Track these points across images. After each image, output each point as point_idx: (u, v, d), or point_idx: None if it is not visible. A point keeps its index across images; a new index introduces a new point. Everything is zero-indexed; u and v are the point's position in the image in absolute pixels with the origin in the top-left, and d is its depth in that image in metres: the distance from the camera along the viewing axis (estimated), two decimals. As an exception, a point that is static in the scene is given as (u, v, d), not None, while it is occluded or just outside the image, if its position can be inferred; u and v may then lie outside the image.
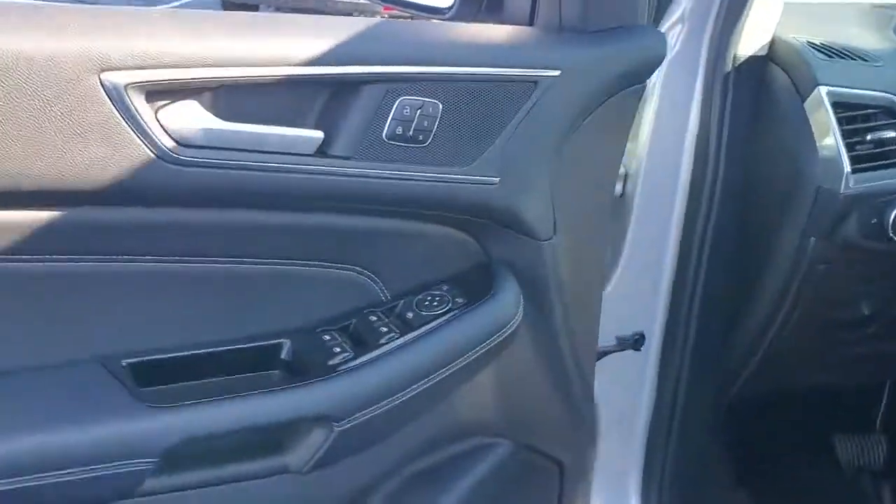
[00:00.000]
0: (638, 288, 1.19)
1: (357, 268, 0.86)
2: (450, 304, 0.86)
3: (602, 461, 1.26)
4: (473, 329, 0.85)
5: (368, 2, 1.08)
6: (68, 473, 0.67)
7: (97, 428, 0.69)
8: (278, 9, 5.03)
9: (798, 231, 1.10)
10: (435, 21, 0.97)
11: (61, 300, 0.74)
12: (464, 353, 0.84)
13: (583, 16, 0.88)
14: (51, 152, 0.66)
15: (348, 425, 0.78)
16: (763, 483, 1.45)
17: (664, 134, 1.12)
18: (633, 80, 0.90)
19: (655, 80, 1.12)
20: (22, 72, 0.64)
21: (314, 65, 0.74)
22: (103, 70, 0.66)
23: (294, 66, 0.74)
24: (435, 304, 0.86)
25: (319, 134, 0.76)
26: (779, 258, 1.13)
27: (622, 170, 1.15)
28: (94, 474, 0.68)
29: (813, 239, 1.09)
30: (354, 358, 0.80)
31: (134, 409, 0.70)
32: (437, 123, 0.80)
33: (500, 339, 0.87)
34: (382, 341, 0.82)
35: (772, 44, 1.12)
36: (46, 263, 0.72)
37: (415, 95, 0.79)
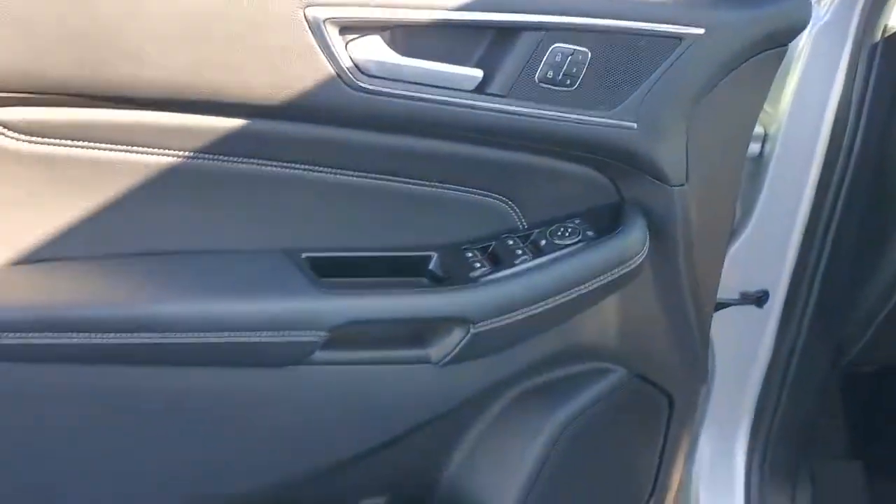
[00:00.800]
0: (766, 247, 1.24)
1: (501, 197, 0.97)
2: (580, 236, 0.95)
3: (713, 409, 1.33)
4: (600, 259, 0.95)
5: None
6: (249, 335, 0.82)
7: (278, 301, 0.84)
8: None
9: None
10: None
11: (250, 198, 0.89)
12: (589, 280, 0.94)
13: None
14: (253, 70, 0.80)
15: (482, 329, 0.90)
16: (879, 457, 1.47)
17: (806, 100, 1.16)
18: (775, 43, 0.96)
19: (802, 47, 1.16)
20: (214, 8, 0.78)
21: (481, 11, 0.85)
22: (308, 5, 0.79)
23: (464, 11, 0.84)
24: (567, 234, 0.96)
25: (479, 73, 0.87)
26: None
27: (762, 131, 1.20)
28: (269, 339, 0.83)
29: None
30: (491, 273, 0.91)
31: (310, 290, 0.84)
32: (584, 70, 0.89)
33: (624, 271, 0.96)
34: (517, 262, 0.92)
35: None
36: (242, 164, 0.86)
37: (567, 43, 0.88)
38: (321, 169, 0.89)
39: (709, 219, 1.03)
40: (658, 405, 1.12)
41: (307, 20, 0.80)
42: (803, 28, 0.97)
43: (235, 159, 0.86)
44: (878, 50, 1.12)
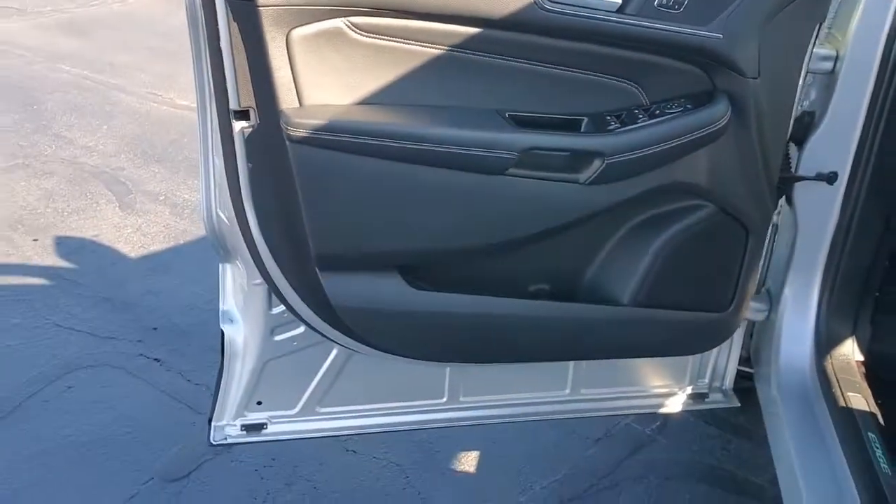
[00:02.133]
0: (836, 140, 1.71)
1: (632, 82, 1.52)
2: (682, 108, 1.50)
3: (796, 259, 1.81)
4: (695, 121, 1.49)
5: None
6: (475, 150, 1.43)
7: (491, 133, 1.44)
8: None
9: None
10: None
11: (482, 77, 1.49)
12: (687, 133, 1.48)
13: None
14: (486, 1, 1.39)
15: (613, 160, 1.47)
16: None
17: (866, 30, 1.62)
18: None
19: (864, -10, 1.62)
20: None
21: None
22: None
23: None
24: (674, 106, 1.50)
25: (618, 0, 1.43)
26: None
27: (834, 52, 1.67)
28: (486, 153, 1.43)
29: None
30: (621, 127, 1.48)
31: (509, 128, 1.45)
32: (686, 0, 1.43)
33: (713, 129, 1.49)
34: (638, 121, 1.48)
35: None
36: (476, 56, 1.46)
37: None
38: (521, 60, 1.49)
39: (774, 103, 1.53)
40: (738, 235, 1.64)
41: None
42: None
43: (474, 52, 1.46)
44: None
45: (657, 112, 1.50)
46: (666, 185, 1.56)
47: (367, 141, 1.40)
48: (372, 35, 1.41)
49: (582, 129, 1.52)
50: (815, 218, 1.78)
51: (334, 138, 1.38)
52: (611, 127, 1.49)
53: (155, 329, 2.80)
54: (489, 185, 1.48)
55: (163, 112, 4.57)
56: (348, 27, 1.39)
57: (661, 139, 1.48)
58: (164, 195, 3.66)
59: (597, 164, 1.48)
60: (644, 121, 1.49)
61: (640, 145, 1.48)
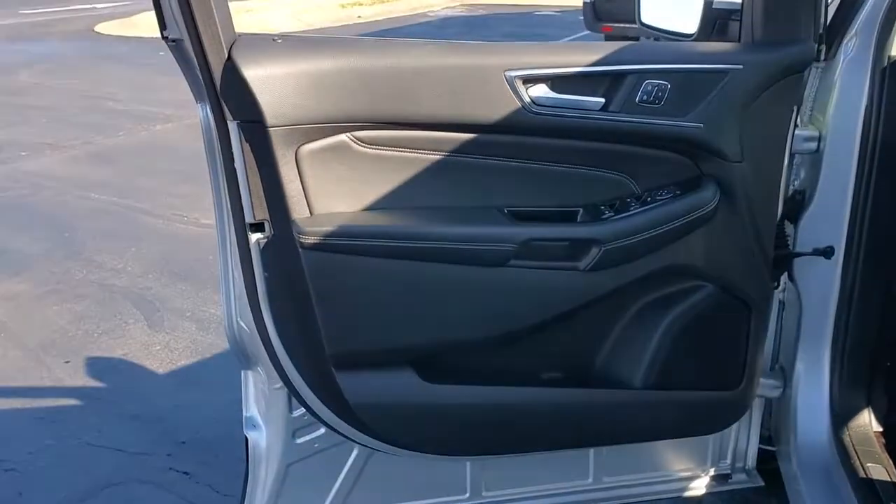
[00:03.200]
0: (828, 214, 1.77)
1: (622, 174, 1.61)
2: (672, 194, 1.58)
3: (804, 334, 1.84)
4: (685, 205, 1.56)
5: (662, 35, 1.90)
6: (475, 245, 1.51)
7: (491, 228, 1.53)
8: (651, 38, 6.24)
9: None
10: (679, 41, 1.69)
11: (480, 176, 1.58)
12: (678, 218, 1.55)
13: (766, 35, 1.55)
14: (478, 106, 1.50)
15: (609, 247, 1.54)
16: None
17: (844, 110, 1.71)
18: (793, 71, 1.55)
19: (839, 74, 1.71)
20: (468, 71, 1.49)
21: (602, 65, 1.52)
22: (506, 70, 1.50)
23: (593, 66, 1.52)
24: (664, 194, 1.58)
25: (601, 100, 1.53)
26: None
27: (817, 133, 1.76)
28: (486, 247, 1.51)
29: None
30: (615, 215, 1.56)
31: (508, 222, 1.53)
32: (666, 94, 1.53)
33: (703, 213, 1.56)
34: (631, 209, 1.56)
35: None
36: (473, 159, 1.56)
37: (654, 80, 1.52)
38: (515, 160, 1.58)
39: (761, 184, 1.61)
40: (740, 312, 1.68)
41: (506, 78, 1.50)
42: (809, 62, 1.56)
43: (470, 155, 1.56)
44: (886, 72, 1.66)
45: (648, 199, 1.58)
46: (664, 268, 1.62)
47: (374, 243, 1.49)
48: (374, 146, 1.51)
49: (578, 220, 1.60)
50: (817, 292, 1.82)
51: (343, 243, 1.47)
52: (605, 216, 1.57)
53: (183, 443, 2.84)
54: (493, 278, 1.55)
55: (188, 232, 4.73)
56: (352, 140, 1.49)
57: (653, 224, 1.56)
58: (191, 311, 3.77)
59: (594, 252, 1.55)
60: (636, 208, 1.57)
61: (634, 231, 1.55)
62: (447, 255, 1.51)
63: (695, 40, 1.76)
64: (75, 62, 9.62)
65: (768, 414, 2.03)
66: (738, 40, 1.61)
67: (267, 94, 1.40)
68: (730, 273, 1.65)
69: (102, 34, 11.29)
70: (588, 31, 8.76)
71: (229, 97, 1.42)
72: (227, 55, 1.41)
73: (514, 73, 1.50)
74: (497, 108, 1.50)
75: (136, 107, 7.58)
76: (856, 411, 1.86)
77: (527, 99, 1.51)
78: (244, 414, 1.80)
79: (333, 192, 1.50)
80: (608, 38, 7.96)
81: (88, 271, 4.29)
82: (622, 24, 7.35)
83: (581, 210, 1.60)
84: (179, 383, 3.22)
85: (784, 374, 1.92)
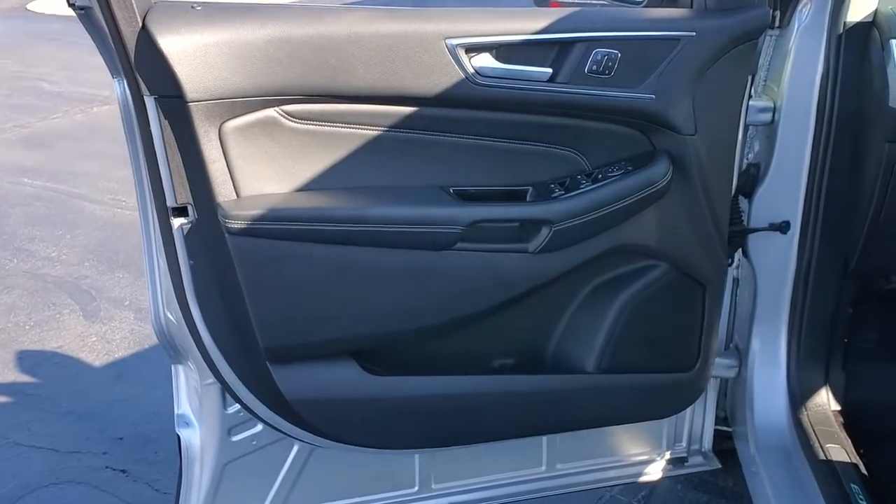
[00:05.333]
0: (784, 188, 1.71)
1: (572, 149, 1.52)
2: (623, 170, 1.50)
3: (759, 311, 1.79)
4: (637, 182, 1.48)
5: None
6: (419, 227, 1.41)
7: (436, 209, 1.43)
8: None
9: (881, 139, 1.57)
10: (629, 7, 1.61)
11: (420, 154, 1.48)
12: (630, 195, 1.47)
13: (720, 1, 1.47)
14: (418, 77, 1.40)
15: (560, 227, 1.45)
16: None
17: (799, 80, 1.65)
18: (748, 38, 1.47)
19: (793, 42, 1.65)
20: (406, 39, 1.38)
21: (547, 32, 1.43)
22: (447, 38, 1.40)
23: (539, 34, 1.42)
24: (616, 170, 1.50)
25: (549, 70, 1.44)
26: (872, 161, 1.61)
27: (772, 104, 1.69)
28: (431, 230, 1.42)
29: (887, 144, 1.56)
30: (565, 194, 1.47)
31: (454, 203, 1.44)
32: (616, 64, 1.44)
33: (656, 189, 1.48)
34: (581, 187, 1.48)
35: (875, 13, 1.60)
36: (414, 134, 1.46)
37: (604, 48, 1.44)
38: (459, 135, 1.49)
39: (715, 157, 1.54)
40: (694, 292, 1.62)
41: (447, 47, 1.40)
42: (764, 28, 1.49)
43: (410, 131, 1.46)
44: (842, 39, 1.60)
45: (600, 176, 1.50)
46: (616, 248, 1.55)
47: (307, 227, 1.38)
48: (305, 121, 1.40)
49: (527, 199, 1.51)
50: (772, 269, 1.77)
51: (274, 227, 1.36)
52: (555, 194, 1.49)
53: (121, 439, 2.71)
54: (437, 262, 1.46)
55: (126, 217, 4.54)
56: (281, 115, 1.38)
57: (605, 202, 1.48)
58: (129, 300, 3.61)
59: (544, 233, 1.47)
60: (587, 186, 1.49)
61: (585, 210, 1.47)
62: (388, 238, 1.41)
63: (646, 6, 1.68)
64: (5, 41, 9.23)
65: (723, 394, 1.98)
66: (691, 6, 1.53)
67: (185, 65, 1.28)
68: (683, 251, 1.58)
69: (35, 12, 10.84)
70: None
71: (145, 70, 1.30)
72: (140, 24, 1.28)
73: (455, 42, 1.40)
74: (438, 79, 1.40)
75: (71, 88, 7.27)
76: (813, 390, 1.81)
77: (470, 69, 1.41)
78: (175, 411, 1.69)
79: (262, 172, 1.39)
80: (557, 13, 7.89)
81: (20, 260, 4.08)
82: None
83: (531, 189, 1.52)
84: (116, 376, 3.07)
85: (739, 353, 1.87)
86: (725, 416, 2.00)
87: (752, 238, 1.73)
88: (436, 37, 1.39)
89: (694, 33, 1.44)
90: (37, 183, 5.13)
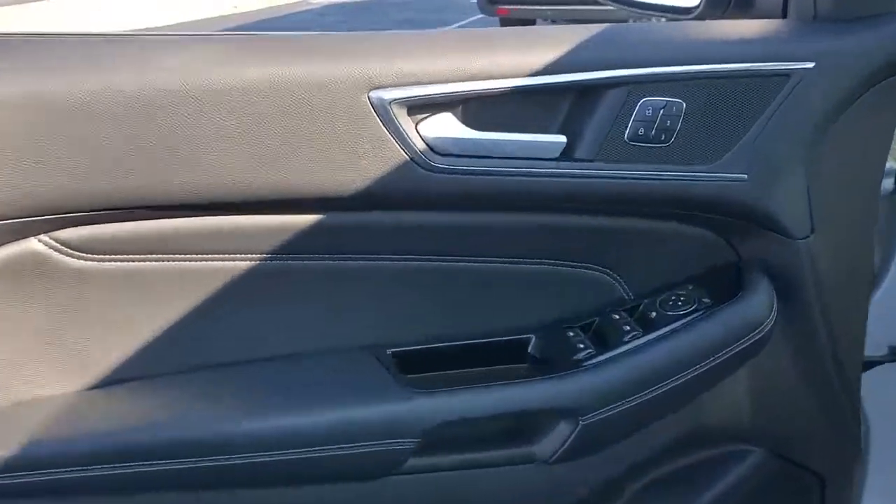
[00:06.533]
0: None
1: (601, 267, 0.88)
2: (696, 304, 0.85)
3: (872, 484, 1.17)
4: (721, 330, 0.84)
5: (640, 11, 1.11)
6: (334, 448, 0.76)
7: (363, 409, 0.77)
8: (553, 21, 5.39)
9: None
10: (681, 21, 0.97)
11: (330, 294, 0.83)
12: (711, 355, 0.83)
13: (839, 4, 0.84)
14: (319, 161, 0.75)
15: (593, 419, 0.80)
16: None
17: None
18: (895, 71, 0.84)
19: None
20: (296, 93, 0.73)
21: (556, 73, 0.78)
22: (372, 89, 0.75)
23: (538, 76, 0.78)
24: (680, 303, 0.86)
25: (562, 139, 0.80)
26: None
27: (891, 165, 1.07)
28: (358, 451, 0.76)
29: None
30: (598, 354, 0.82)
31: (397, 391, 0.78)
32: (680, 122, 0.80)
33: (752, 341, 0.84)
34: (626, 339, 0.83)
35: None
36: (317, 261, 0.81)
37: (657, 96, 0.79)
38: (401, 257, 0.83)
39: (844, 270, 0.90)
40: (808, 488, 0.98)
41: (372, 104, 0.75)
42: None
43: (310, 256, 0.81)
44: None
45: (653, 316, 0.85)
46: (683, 438, 0.90)
47: (97, 472, 0.72)
48: (100, 255, 0.74)
49: (529, 362, 0.86)
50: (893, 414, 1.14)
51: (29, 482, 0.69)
52: (579, 354, 0.83)
53: None
54: (375, 499, 0.80)
55: None
56: (51, 247, 0.72)
57: (668, 369, 0.83)
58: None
59: (566, 430, 0.81)
60: (635, 335, 0.84)
61: (634, 386, 0.82)
62: (275, 474, 0.75)
63: (697, 18, 1.03)
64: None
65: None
66: (783, 16, 0.89)
67: None
68: (791, 428, 0.95)
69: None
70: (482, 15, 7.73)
71: None
72: None
73: (388, 95, 0.75)
74: (360, 163, 0.75)
75: None
76: None
77: (418, 143, 0.77)
78: None
79: (11, 359, 0.72)
80: (504, 22, 6.83)
81: None
82: (524, 7, 6.13)
83: (534, 339, 0.87)
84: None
85: None
86: None
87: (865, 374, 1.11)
88: (352, 87, 0.74)
89: (812, 64, 0.81)
90: None
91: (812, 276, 0.87)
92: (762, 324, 0.84)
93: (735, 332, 0.84)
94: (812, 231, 0.86)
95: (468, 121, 0.78)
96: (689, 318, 0.84)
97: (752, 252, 0.88)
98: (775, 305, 0.86)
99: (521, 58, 0.78)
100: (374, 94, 0.74)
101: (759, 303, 0.85)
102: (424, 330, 0.84)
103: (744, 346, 0.84)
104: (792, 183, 0.84)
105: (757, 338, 0.84)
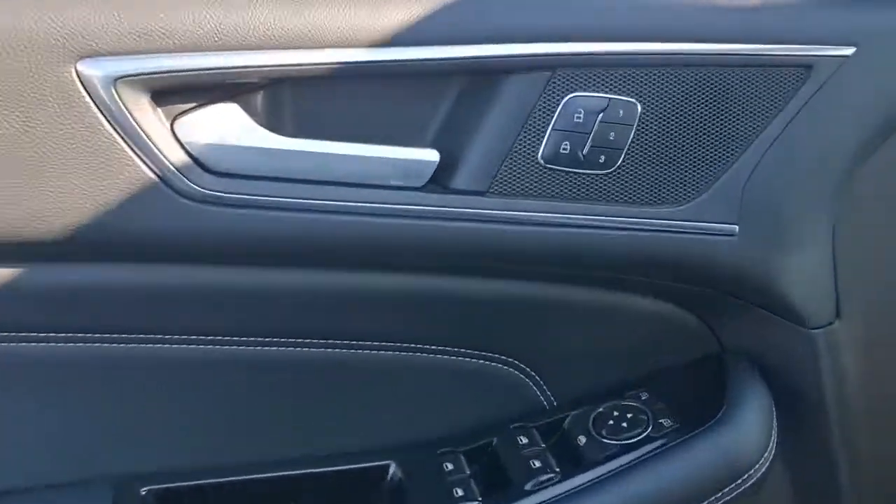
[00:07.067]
0: None
1: (503, 357, 0.57)
2: (649, 427, 0.53)
3: None
4: (690, 471, 0.52)
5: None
6: None
7: None
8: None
9: None
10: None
11: (65, 389, 0.52)
12: (687, 491, 0.51)
13: None
14: (28, 186, 0.44)
15: None
16: None
17: None
18: None
19: None
20: None
21: (424, 44, 0.46)
22: (82, 57, 0.43)
23: (392, 47, 0.46)
24: (624, 424, 0.54)
25: (434, 156, 0.48)
26: None
27: None
28: None
29: None
30: (546, 480, 0.50)
31: None
32: (631, 136, 0.48)
33: (738, 491, 0.52)
34: (530, 486, 0.51)
35: None
36: (32, 344, 0.50)
37: (595, 91, 0.47)
38: (166, 339, 0.52)
39: (883, 377, 0.58)
40: None
41: (83, 82, 0.43)
42: None
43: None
44: None
45: (582, 442, 0.54)
46: None
47: None
48: None
49: (384, 497, 0.54)
50: None
51: None
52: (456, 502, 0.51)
53: None
54: None
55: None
56: None
57: None
58: None
59: None
60: (549, 479, 0.52)
61: None
62: None
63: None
64: None
65: None
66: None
67: None
68: None
69: None
70: None
71: None
72: None
73: (112, 68, 0.43)
74: (68, 183, 0.44)
75: None
76: None
77: (172, 152, 0.45)
78: None
79: None
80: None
81: None
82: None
83: (393, 466, 0.55)
84: None
85: None
86: None
87: None
88: (53, 53, 0.42)
89: (851, 50, 0.49)
90: None
91: (833, 383, 0.55)
92: (754, 465, 0.52)
93: (710, 477, 0.52)
94: (837, 316, 0.54)
95: (266, 119, 0.46)
96: (639, 452, 0.52)
97: (742, 342, 0.56)
98: (775, 430, 0.54)
99: (365, 17, 0.46)
100: (84, 66, 0.42)
101: (748, 429, 0.53)
102: (200, 454, 0.53)
103: (724, 499, 0.52)
104: (809, 241, 0.52)
105: (746, 486, 0.52)
